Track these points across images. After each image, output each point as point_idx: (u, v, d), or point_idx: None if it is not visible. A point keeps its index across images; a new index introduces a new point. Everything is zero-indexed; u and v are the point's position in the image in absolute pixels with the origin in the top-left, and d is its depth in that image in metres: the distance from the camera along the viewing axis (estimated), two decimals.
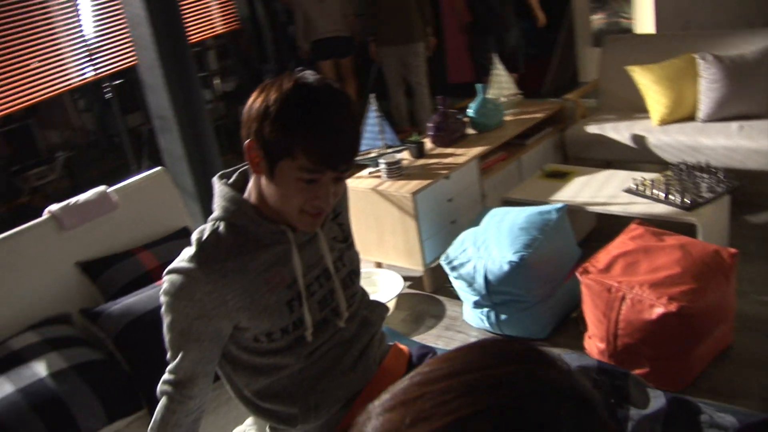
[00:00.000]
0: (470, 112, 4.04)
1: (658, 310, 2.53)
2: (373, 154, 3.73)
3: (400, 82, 5.90)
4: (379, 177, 3.64)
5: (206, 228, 1.56)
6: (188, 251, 1.52)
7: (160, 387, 1.57)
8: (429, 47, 5.80)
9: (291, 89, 1.41)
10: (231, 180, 1.63)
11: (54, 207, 2.50)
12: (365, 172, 3.76)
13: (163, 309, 1.53)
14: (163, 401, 1.56)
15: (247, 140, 1.45)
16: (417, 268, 3.62)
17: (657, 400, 1.49)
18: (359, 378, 1.68)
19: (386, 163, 3.56)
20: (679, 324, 2.52)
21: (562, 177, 3.74)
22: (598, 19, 6.53)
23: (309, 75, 1.47)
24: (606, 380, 1.51)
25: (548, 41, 6.36)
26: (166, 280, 1.51)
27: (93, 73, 4.84)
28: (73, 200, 2.55)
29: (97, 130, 8.05)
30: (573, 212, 3.45)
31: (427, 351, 1.86)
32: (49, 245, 2.46)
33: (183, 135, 2.99)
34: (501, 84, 4.26)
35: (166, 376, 1.57)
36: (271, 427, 1.72)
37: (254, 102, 1.44)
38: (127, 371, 2.22)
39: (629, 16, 6.15)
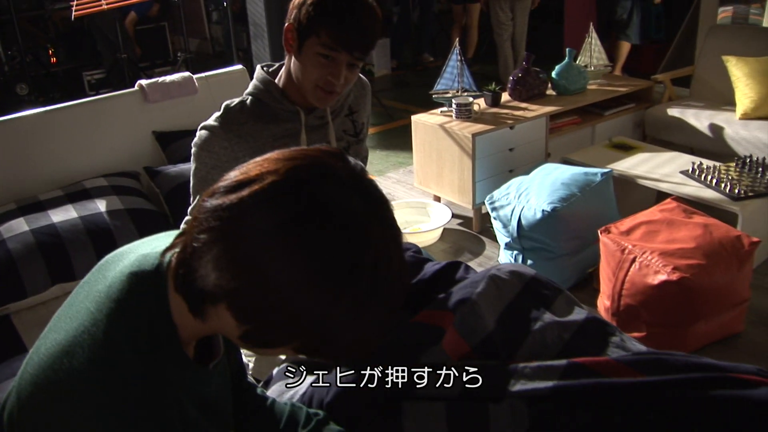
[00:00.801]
0: (553, 73, 4.18)
1: (661, 277, 2.67)
2: (448, 95, 3.95)
3: (507, 37, 6.23)
4: (449, 116, 3.86)
5: (236, 99, 1.88)
6: (216, 113, 1.85)
7: (181, 227, 1.91)
8: (534, 2, 6.26)
9: None
10: (271, 69, 1.93)
11: (144, 81, 2.88)
12: (438, 110, 3.99)
13: (191, 159, 1.86)
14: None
15: (286, 24, 1.75)
16: (467, 206, 3.85)
17: (577, 315, 1.70)
18: None
19: (457, 104, 3.78)
20: (678, 294, 2.65)
21: (627, 150, 3.84)
22: (725, 11, 6.40)
23: None
24: (535, 287, 1.73)
25: (674, 28, 6.34)
26: (196, 135, 1.84)
27: None
28: (161, 79, 2.93)
29: (223, 42, 8.57)
30: (629, 185, 3.58)
31: (408, 246, 2.11)
32: (133, 112, 2.85)
33: (272, 42, 3.31)
34: (592, 53, 4.36)
35: (186, 218, 1.90)
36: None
37: None
38: (171, 223, 2.60)
39: (759, 13, 6.01)
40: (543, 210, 3.13)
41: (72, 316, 0.97)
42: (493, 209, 3.38)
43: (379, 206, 0.90)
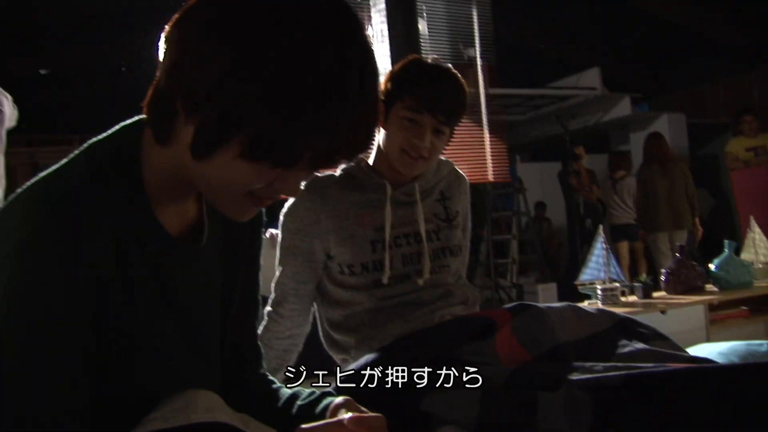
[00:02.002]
0: (712, 266, 3.87)
1: None
2: (596, 285, 3.74)
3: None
4: (596, 305, 3.62)
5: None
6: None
7: (266, 311, 1.88)
8: (696, 236, 6.55)
9: (411, 59, 1.84)
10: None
11: (273, 230, 3.04)
12: (585, 302, 3.76)
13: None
14: (263, 322, 1.86)
15: None
16: None
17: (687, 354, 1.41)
18: (418, 326, 1.79)
19: (602, 289, 3.56)
20: None
21: None
22: None
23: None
24: (629, 325, 1.47)
25: None
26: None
27: None
28: None
29: None
30: None
31: None
32: (264, 257, 2.98)
33: None
34: (757, 248, 4.03)
35: (270, 298, 1.87)
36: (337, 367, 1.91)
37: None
38: None
39: None
40: None
41: None
42: None
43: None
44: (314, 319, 1.94)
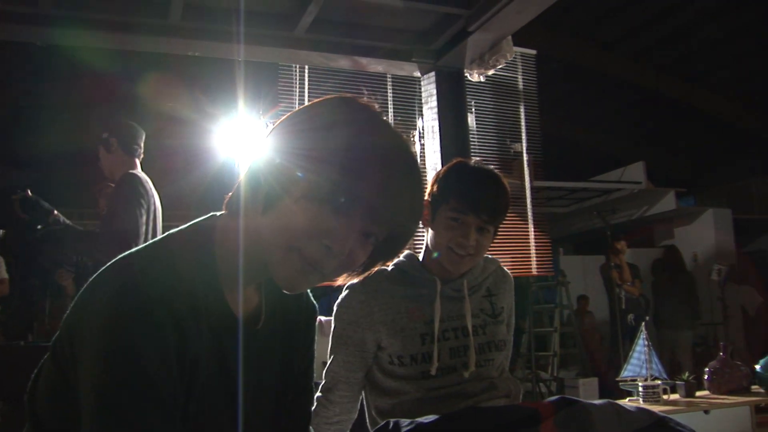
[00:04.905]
0: (757, 367, 3.85)
1: None
2: (637, 382, 3.74)
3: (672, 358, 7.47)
4: (637, 403, 3.61)
5: None
6: None
7: (314, 399, 1.97)
8: (695, 335, 7.90)
9: (456, 162, 1.95)
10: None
11: (323, 317, 3.14)
12: (626, 399, 3.75)
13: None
14: (314, 407, 1.95)
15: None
16: None
17: None
18: None
19: (644, 386, 3.56)
20: None
21: None
22: None
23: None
24: (667, 424, 1.52)
25: None
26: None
27: None
28: None
29: None
30: None
31: None
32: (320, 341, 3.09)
33: None
34: None
35: (321, 383, 1.96)
36: None
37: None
38: None
39: None
40: None
41: None
42: None
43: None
44: (361, 405, 2.03)
